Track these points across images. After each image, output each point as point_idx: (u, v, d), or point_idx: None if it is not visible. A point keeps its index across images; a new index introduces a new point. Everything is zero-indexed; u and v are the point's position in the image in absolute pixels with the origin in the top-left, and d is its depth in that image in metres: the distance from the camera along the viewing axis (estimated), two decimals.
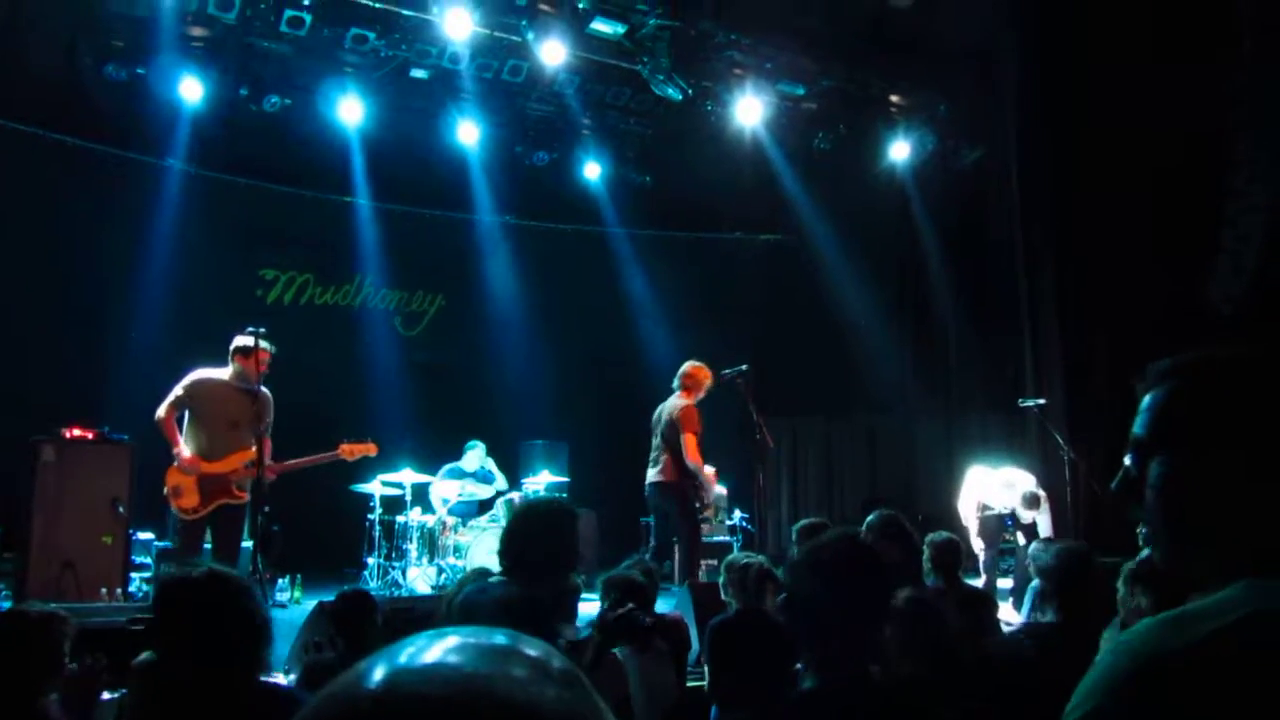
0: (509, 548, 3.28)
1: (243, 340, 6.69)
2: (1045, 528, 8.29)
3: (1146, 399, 1.28)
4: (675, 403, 7.70)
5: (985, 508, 8.52)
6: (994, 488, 8.51)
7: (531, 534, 3.25)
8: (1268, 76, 8.15)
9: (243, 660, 2.53)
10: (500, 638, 0.71)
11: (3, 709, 2.88)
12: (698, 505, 7.61)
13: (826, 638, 2.11)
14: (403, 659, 0.68)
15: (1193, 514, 1.21)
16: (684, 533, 7.60)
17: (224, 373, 6.71)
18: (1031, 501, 8.26)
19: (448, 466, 9.60)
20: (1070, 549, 4.07)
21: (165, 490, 6.58)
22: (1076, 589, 3.75)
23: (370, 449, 7.17)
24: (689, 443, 7.49)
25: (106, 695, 4.04)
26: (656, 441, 7.65)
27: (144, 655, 3.44)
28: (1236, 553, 1.16)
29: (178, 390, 6.63)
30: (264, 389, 6.67)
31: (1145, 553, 5.48)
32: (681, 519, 7.59)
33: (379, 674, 0.67)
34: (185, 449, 6.58)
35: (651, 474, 7.63)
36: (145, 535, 8.21)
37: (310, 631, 5.40)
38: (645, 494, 7.69)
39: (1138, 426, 1.27)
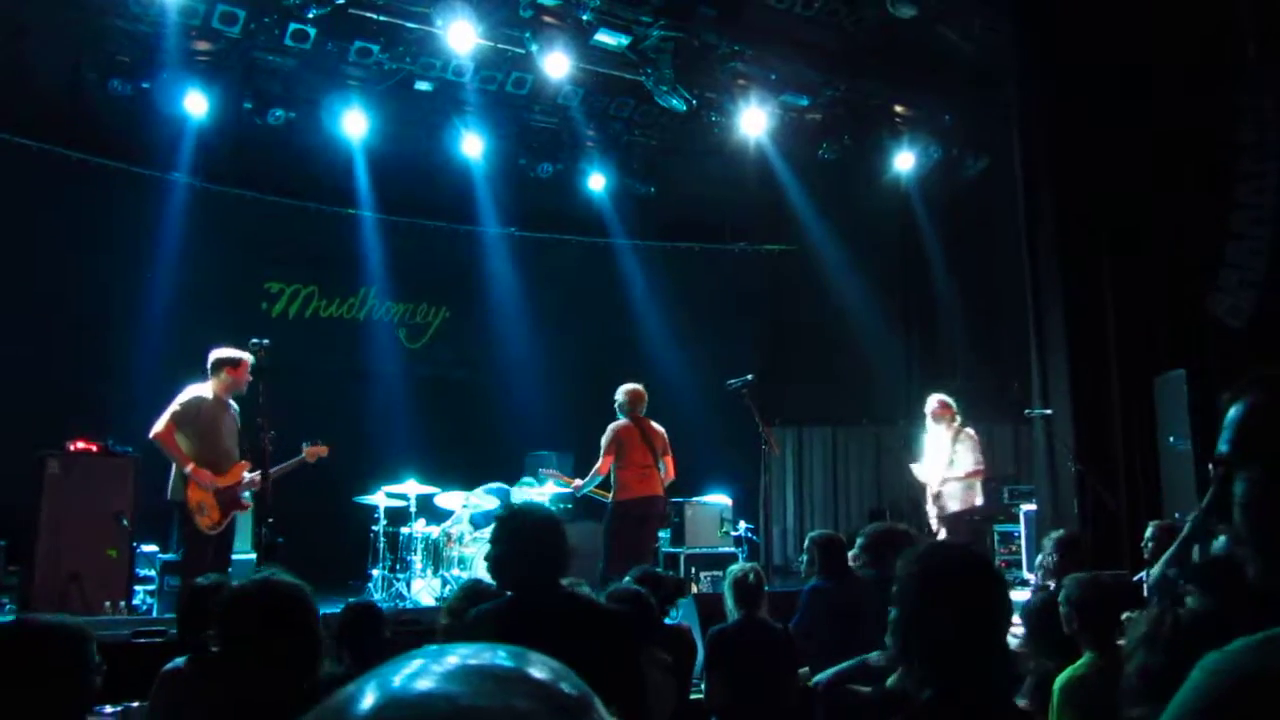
0: (517, 560, 3.23)
1: (230, 353, 6.76)
2: (968, 463, 8.41)
3: (1229, 414, 1.24)
4: (654, 425, 8.22)
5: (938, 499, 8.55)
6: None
7: (538, 542, 3.21)
8: (1273, 86, 8.13)
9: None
10: (504, 659, 0.65)
11: None
12: None
13: (943, 650, 2.05)
14: (396, 684, 0.62)
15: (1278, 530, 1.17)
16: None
17: (209, 388, 6.74)
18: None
19: (497, 486, 9.56)
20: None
21: (189, 508, 6.55)
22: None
23: (323, 450, 7.12)
24: (672, 461, 8.19)
25: (109, 709, 4.02)
26: (648, 458, 8.08)
27: (174, 662, 3.44)
28: None
29: (176, 408, 6.61)
30: (234, 403, 6.87)
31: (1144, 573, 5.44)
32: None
33: (368, 702, 0.61)
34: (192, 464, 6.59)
35: (648, 486, 8.04)
36: (149, 548, 8.21)
37: None
38: (647, 503, 8.02)
39: (1221, 443, 1.23)
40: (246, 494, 6.84)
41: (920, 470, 8.76)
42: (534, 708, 0.60)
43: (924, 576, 2.11)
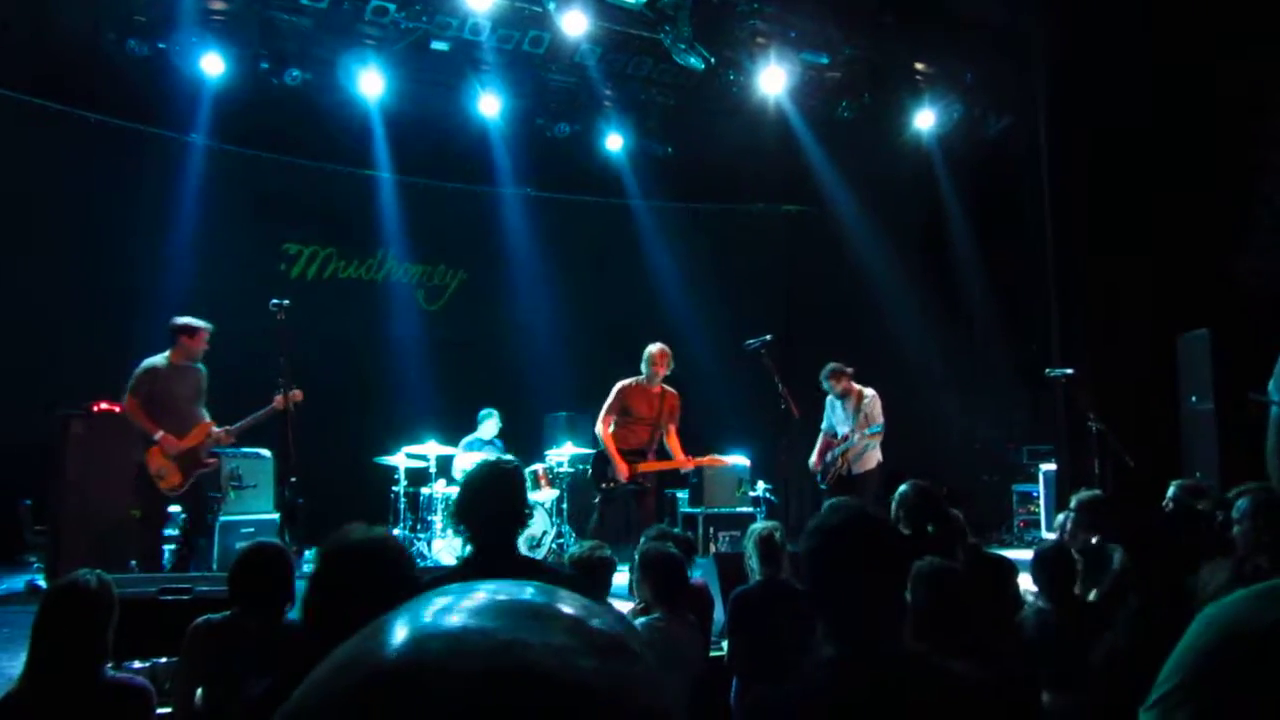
0: (465, 509, 3.35)
1: (188, 320, 7.14)
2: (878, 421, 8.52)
3: None
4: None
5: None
6: None
7: (486, 493, 3.29)
8: None
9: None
10: (534, 595, 0.63)
11: (71, 681, 2.88)
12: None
13: (841, 606, 2.08)
14: (426, 620, 0.59)
15: None
16: None
17: (163, 357, 7.08)
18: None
19: (467, 439, 9.64)
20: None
21: (149, 474, 6.90)
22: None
23: (297, 395, 7.08)
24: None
25: (138, 664, 4.09)
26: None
27: (204, 617, 3.49)
28: None
29: (131, 382, 6.97)
30: (201, 366, 7.21)
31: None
32: None
33: (399, 639, 0.58)
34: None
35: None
36: (174, 508, 8.28)
37: None
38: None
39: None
40: (208, 453, 7.21)
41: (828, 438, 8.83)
42: (570, 643, 0.58)
43: (820, 539, 2.14)
